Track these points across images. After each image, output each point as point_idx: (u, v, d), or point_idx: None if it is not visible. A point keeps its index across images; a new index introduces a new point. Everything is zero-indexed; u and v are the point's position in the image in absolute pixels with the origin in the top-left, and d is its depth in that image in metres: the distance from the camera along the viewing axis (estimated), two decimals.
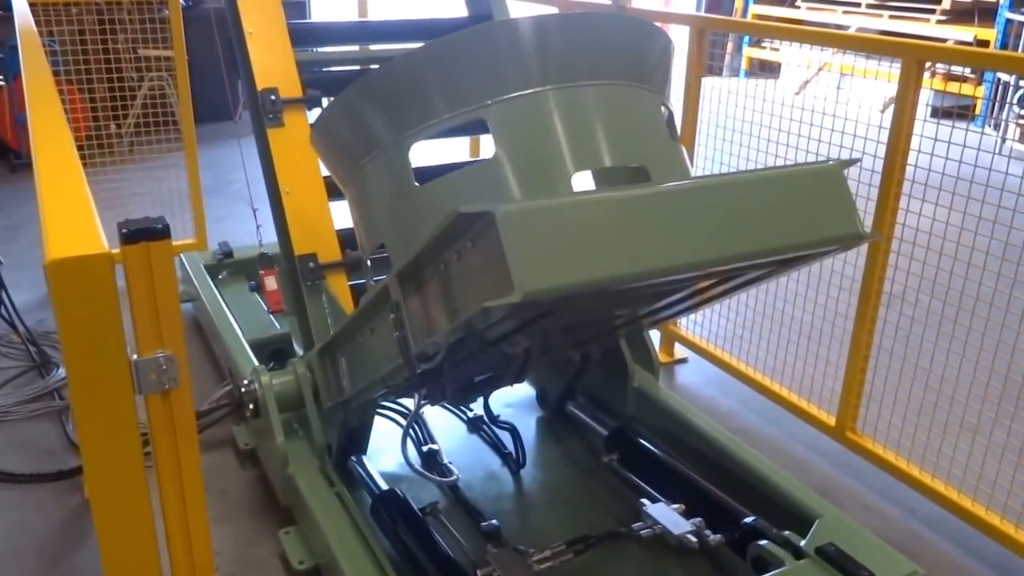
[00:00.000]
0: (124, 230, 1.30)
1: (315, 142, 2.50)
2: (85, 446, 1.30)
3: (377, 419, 3.24)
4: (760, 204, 1.81)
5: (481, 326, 1.85)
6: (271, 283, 3.33)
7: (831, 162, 1.92)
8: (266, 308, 3.28)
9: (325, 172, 2.93)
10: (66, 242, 1.23)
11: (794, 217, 1.83)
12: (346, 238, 2.97)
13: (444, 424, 3.48)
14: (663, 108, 2.20)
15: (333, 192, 3.00)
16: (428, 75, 2.07)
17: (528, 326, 2.12)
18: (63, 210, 1.36)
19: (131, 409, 1.31)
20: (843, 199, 1.90)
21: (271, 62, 3.04)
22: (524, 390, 3.71)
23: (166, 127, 5.30)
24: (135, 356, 1.33)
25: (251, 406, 2.92)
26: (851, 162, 1.93)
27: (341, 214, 2.95)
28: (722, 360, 3.99)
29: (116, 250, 1.29)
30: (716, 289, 2.25)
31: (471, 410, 3.48)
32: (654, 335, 3.82)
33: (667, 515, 2.72)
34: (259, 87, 3.00)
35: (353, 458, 3.02)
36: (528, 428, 3.44)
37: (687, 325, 4.27)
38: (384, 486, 2.88)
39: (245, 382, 2.96)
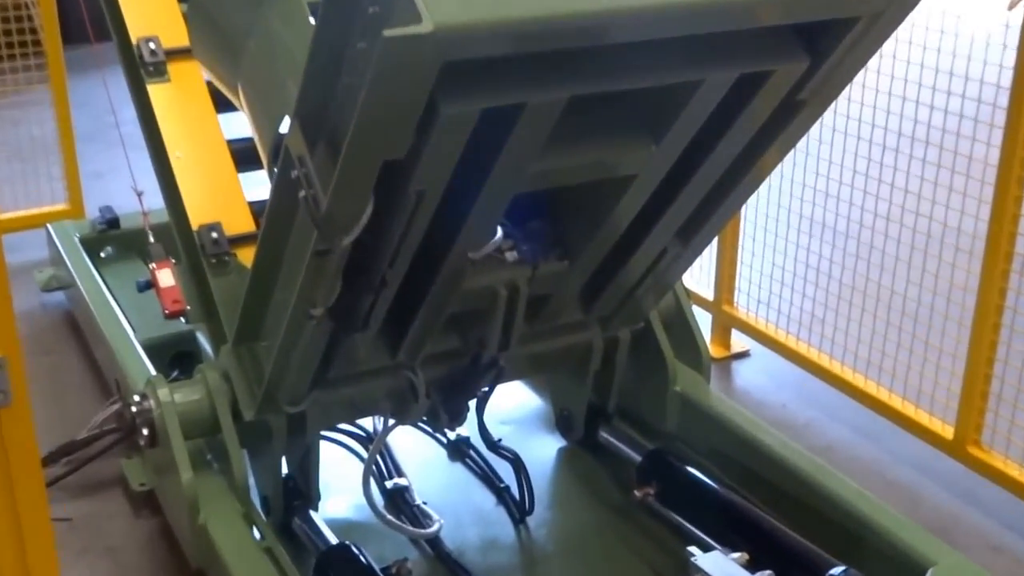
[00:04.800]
0: None
1: (193, 39, 2.68)
2: None
3: (326, 449, 3.23)
4: None
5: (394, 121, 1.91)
6: (166, 278, 3.31)
7: None
8: (162, 309, 3.26)
9: (229, 136, 3.08)
10: None
11: None
12: (261, 211, 3.00)
13: (417, 450, 3.47)
14: None
15: (242, 162, 3.11)
16: None
17: (478, 164, 2.16)
18: None
19: None
20: None
21: (149, 6, 3.19)
22: (532, 403, 3.70)
23: (23, 50, 5.22)
24: None
25: (146, 431, 2.91)
26: None
27: (254, 184, 2.99)
28: (797, 353, 3.97)
29: None
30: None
31: (453, 431, 3.46)
32: (704, 320, 3.80)
33: (725, 567, 2.70)
34: (134, 37, 3.13)
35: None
36: (537, 456, 3.43)
37: (747, 304, 4.26)
38: (333, 539, 2.88)
39: (137, 398, 2.94)
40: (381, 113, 1.88)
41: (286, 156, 2.16)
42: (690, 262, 2.93)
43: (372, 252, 2.27)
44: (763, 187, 3.94)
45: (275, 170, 2.32)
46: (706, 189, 2.51)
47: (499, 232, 2.54)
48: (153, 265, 3.32)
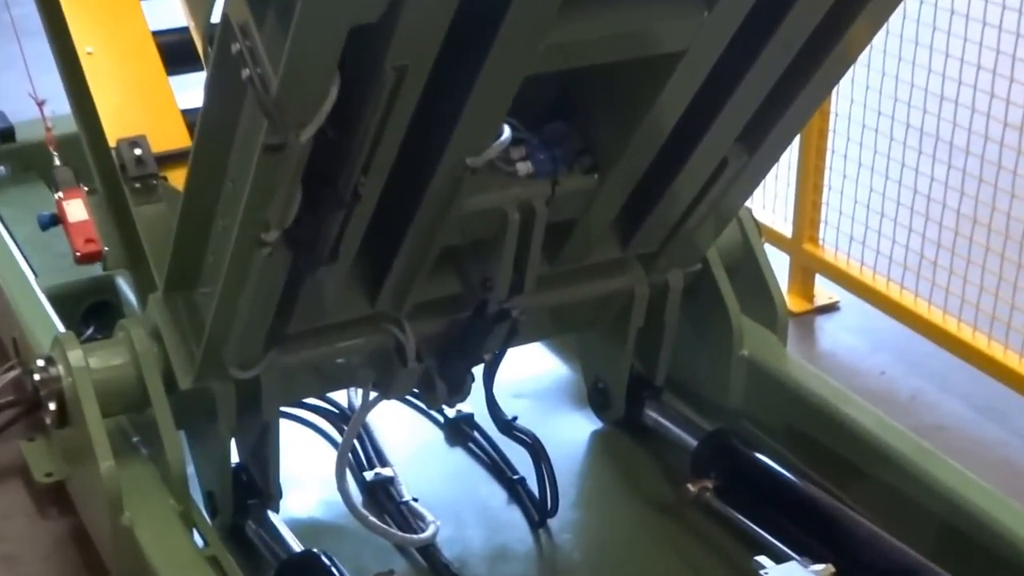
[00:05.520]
0: None
1: None
2: None
3: (289, 431, 3.24)
4: None
5: None
6: (77, 210, 3.30)
7: None
8: (73, 251, 3.27)
9: (156, 26, 3.08)
10: None
11: None
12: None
13: (406, 432, 3.49)
14: None
15: (173, 61, 3.11)
16: None
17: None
18: None
19: None
20: None
21: None
22: (556, 372, 3.73)
23: None
24: None
25: (53, 406, 2.91)
26: None
27: (188, 88, 2.98)
28: (900, 305, 3.98)
29: None
30: None
31: (453, 407, 3.48)
32: (780, 263, 3.78)
33: None
34: None
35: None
36: (562, 440, 3.43)
37: (836, 242, 4.26)
38: (298, 546, 2.91)
39: (41, 363, 2.94)
40: None
41: (225, 27, 2.13)
42: (757, 180, 2.92)
43: (340, 153, 2.24)
44: (858, 88, 3.94)
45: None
46: (775, 75, 2.49)
47: (506, 131, 2.51)
48: (60, 194, 3.33)
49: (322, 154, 2.20)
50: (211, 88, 2.36)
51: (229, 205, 2.49)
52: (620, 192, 2.77)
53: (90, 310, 3.72)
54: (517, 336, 2.99)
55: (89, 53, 3.03)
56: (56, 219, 3.32)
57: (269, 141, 2.17)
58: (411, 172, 2.42)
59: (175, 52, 3.05)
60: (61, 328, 3.29)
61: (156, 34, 3.10)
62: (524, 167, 2.61)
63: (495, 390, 3.36)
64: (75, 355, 2.86)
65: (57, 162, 3.46)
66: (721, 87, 2.50)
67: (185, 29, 2.68)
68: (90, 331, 3.59)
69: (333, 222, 2.38)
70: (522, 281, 2.77)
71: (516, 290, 2.80)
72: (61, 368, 2.88)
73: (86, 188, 3.24)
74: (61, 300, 3.58)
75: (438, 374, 2.95)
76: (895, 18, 2.71)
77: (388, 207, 2.47)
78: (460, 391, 3.02)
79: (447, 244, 2.67)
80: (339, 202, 2.33)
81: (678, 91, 2.49)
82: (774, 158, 2.86)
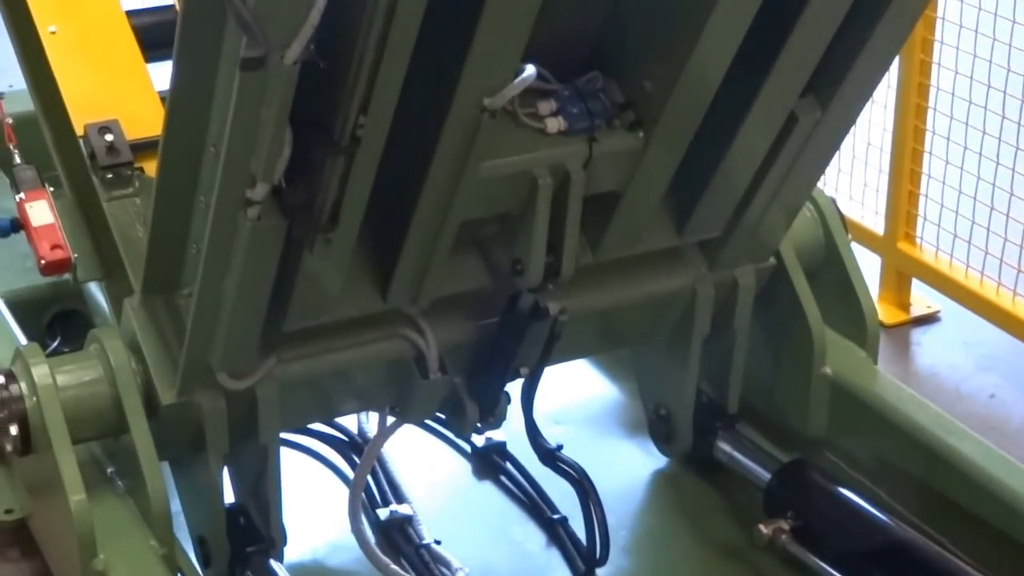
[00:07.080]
0: None
1: None
2: None
3: (292, 462, 3.26)
4: None
5: None
6: (41, 213, 3.31)
7: None
8: (38, 259, 3.28)
9: (128, 3, 3.14)
10: None
11: None
12: None
13: (427, 462, 3.50)
14: None
15: (152, 45, 3.15)
16: None
17: None
18: None
19: None
20: None
21: None
22: (606, 394, 3.75)
23: None
24: None
25: (15, 431, 2.90)
26: None
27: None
28: (1013, 316, 3.96)
29: None
30: None
31: (482, 434, 3.48)
32: (870, 265, 3.79)
33: None
34: None
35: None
36: (613, 474, 3.42)
37: (937, 240, 4.23)
38: None
39: (1, 380, 2.93)
40: None
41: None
42: (835, 144, 2.91)
43: (334, 87, 2.24)
44: (963, 57, 3.92)
45: None
46: (844, 4, 2.48)
47: (528, 68, 2.49)
48: (22, 195, 3.33)
49: (314, 88, 2.20)
50: (185, 32, 2.35)
51: (211, 175, 2.48)
52: (670, 155, 2.75)
53: (56, 319, 3.74)
54: (559, 345, 2.95)
55: (52, 33, 3.05)
56: (18, 224, 3.33)
57: (248, 54, 2.15)
58: (419, 118, 2.41)
59: (154, 35, 3.08)
60: (23, 340, 3.32)
61: (132, 13, 3.15)
62: (555, 123, 2.60)
63: (535, 413, 3.30)
64: (40, 371, 2.86)
65: (18, 160, 3.47)
66: (779, 20, 2.50)
67: (164, 9, 2.68)
68: (56, 343, 3.61)
69: (330, 174, 2.37)
70: (558, 264, 2.75)
71: (552, 273, 2.77)
72: (24, 386, 2.87)
73: (51, 188, 3.25)
74: (23, 307, 3.61)
75: (467, 392, 2.95)
76: None
77: (396, 167, 2.46)
78: (494, 413, 3.00)
79: (467, 219, 2.66)
80: (333, 145, 2.32)
81: (727, 24, 2.48)
82: (853, 115, 2.86)
